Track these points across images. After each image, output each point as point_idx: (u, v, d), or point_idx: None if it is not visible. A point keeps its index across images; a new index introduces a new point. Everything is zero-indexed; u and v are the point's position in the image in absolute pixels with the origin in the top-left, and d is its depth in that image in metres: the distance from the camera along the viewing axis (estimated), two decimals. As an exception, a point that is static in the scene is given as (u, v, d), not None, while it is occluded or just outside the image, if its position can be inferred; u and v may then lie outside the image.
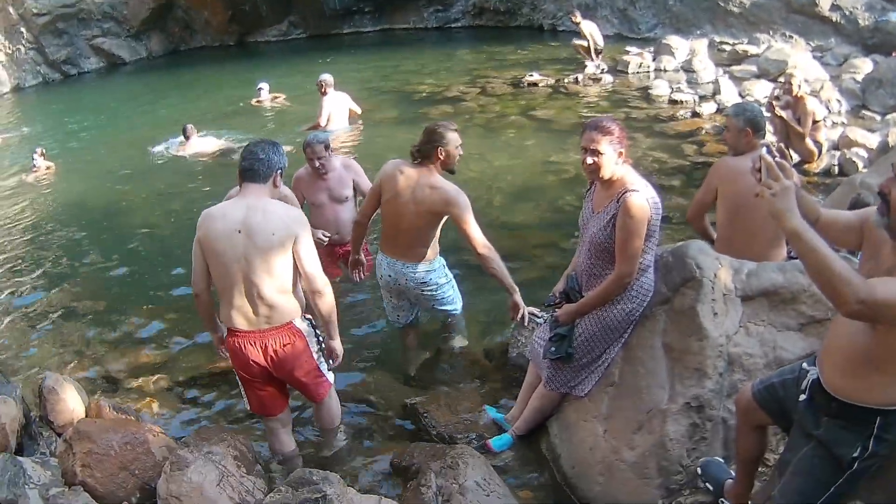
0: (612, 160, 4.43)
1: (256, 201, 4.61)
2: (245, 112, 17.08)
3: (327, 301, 4.83)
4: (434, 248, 6.10)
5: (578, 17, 17.93)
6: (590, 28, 17.77)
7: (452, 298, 6.39)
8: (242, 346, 4.79)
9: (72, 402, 5.62)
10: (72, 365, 6.95)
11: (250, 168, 4.65)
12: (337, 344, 5.06)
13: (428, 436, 5.49)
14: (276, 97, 17.56)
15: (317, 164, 6.93)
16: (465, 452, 4.73)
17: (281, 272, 4.65)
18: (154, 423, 5.69)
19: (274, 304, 4.70)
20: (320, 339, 5.02)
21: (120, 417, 5.51)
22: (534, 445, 5.30)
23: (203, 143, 14.19)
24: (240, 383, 5.09)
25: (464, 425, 5.51)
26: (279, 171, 4.73)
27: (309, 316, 4.97)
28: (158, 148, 14.49)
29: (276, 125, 15.80)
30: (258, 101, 17.41)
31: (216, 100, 18.73)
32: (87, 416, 5.59)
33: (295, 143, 10.84)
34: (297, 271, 4.74)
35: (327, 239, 6.98)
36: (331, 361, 5.10)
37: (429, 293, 6.18)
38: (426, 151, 5.74)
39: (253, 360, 4.81)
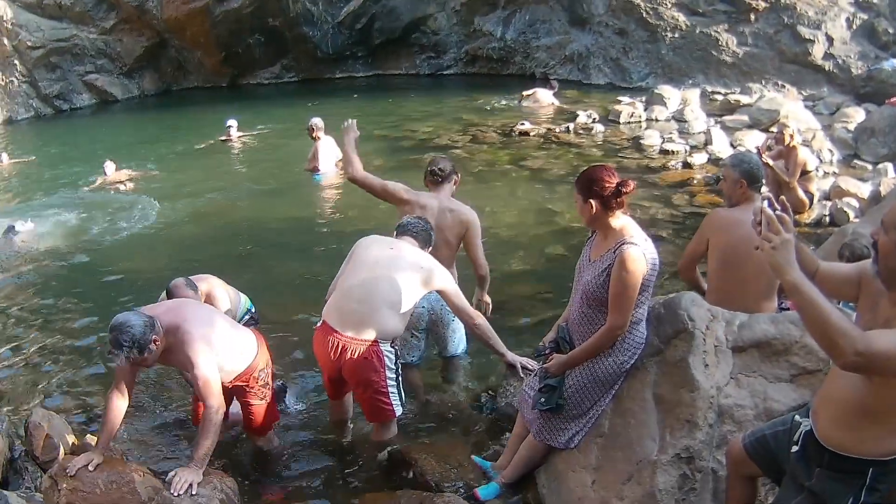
0: (581, 208, 4.57)
1: (412, 247, 5.64)
2: (211, 150, 17.27)
3: (482, 324, 5.83)
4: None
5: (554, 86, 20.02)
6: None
7: (463, 333, 6.73)
8: (324, 339, 5.42)
9: (57, 438, 5.59)
10: (58, 401, 6.89)
11: (405, 231, 5.81)
12: (511, 357, 5.96)
13: (415, 483, 5.42)
14: (244, 135, 17.67)
15: None
16: (452, 501, 4.71)
17: (401, 295, 5.38)
18: (140, 462, 5.61)
19: (372, 314, 5.35)
20: (398, 371, 5.58)
21: (106, 455, 5.44)
22: (521, 495, 5.24)
23: (119, 175, 15.07)
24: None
25: (451, 473, 5.43)
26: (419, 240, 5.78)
27: (395, 346, 5.57)
28: (85, 187, 14.87)
29: (241, 164, 16.17)
30: (227, 139, 17.40)
31: (189, 139, 18.55)
32: (72, 453, 5.51)
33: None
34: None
35: None
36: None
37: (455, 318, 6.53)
38: (448, 176, 6.49)
39: (328, 355, 5.41)
